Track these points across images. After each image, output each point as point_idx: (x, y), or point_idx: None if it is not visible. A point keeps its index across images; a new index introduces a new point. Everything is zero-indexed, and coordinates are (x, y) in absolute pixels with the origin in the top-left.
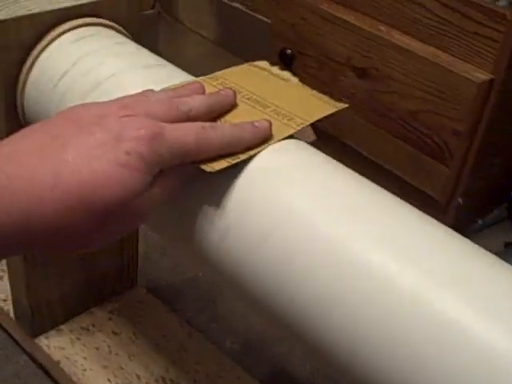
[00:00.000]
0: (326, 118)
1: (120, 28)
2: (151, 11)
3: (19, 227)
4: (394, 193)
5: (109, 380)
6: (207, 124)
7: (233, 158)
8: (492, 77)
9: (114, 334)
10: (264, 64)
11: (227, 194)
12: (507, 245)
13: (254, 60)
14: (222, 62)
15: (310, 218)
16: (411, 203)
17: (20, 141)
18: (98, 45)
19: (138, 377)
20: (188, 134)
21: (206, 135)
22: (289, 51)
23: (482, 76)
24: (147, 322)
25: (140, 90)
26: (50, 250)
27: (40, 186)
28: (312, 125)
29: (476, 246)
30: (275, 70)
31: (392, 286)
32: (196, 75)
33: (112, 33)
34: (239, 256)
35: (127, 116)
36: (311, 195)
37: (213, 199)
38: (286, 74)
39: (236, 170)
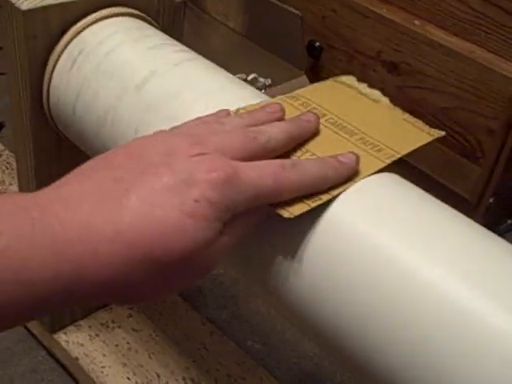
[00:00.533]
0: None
1: (149, 19)
2: (178, 1)
3: (71, 278)
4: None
5: (128, 378)
6: (288, 162)
7: (313, 199)
8: None
9: (134, 331)
10: (351, 80)
11: (307, 241)
12: None
13: (282, 52)
14: (250, 54)
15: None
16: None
17: (79, 181)
18: (127, 36)
19: (158, 375)
20: (266, 175)
21: (286, 176)
22: (317, 44)
23: None
24: (167, 320)
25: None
26: (102, 302)
27: (97, 237)
28: None
29: None
30: (363, 88)
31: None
32: (222, 67)
33: (141, 24)
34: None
35: (198, 155)
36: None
37: (290, 246)
38: (376, 94)
39: (316, 213)
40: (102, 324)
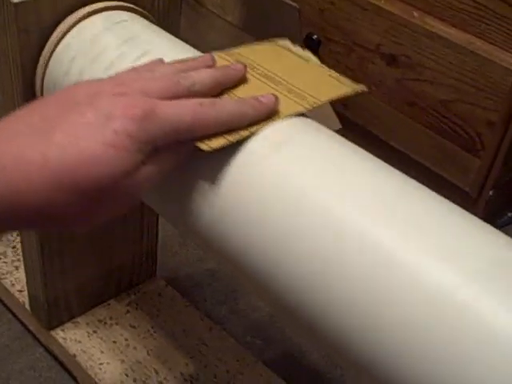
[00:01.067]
0: (342, 100)
1: (144, 12)
2: None
3: (9, 202)
4: (424, 184)
5: (126, 375)
6: (206, 100)
7: (233, 135)
8: None
9: (132, 327)
10: (286, 43)
11: (224, 174)
12: None
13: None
14: None
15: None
16: (440, 195)
17: (13, 121)
18: (121, 30)
19: (157, 372)
20: (183, 111)
21: (204, 112)
22: (315, 36)
23: None
24: (166, 316)
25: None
26: (40, 227)
27: (29, 165)
28: (337, 113)
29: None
30: (297, 49)
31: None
32: None
33: (135, 16)
34: (236, 238)
35: (121, 94)
36: (318, 174)
37: (209, 178)
38: (307, 55)
39: (236, 147)
40: (99, 320)
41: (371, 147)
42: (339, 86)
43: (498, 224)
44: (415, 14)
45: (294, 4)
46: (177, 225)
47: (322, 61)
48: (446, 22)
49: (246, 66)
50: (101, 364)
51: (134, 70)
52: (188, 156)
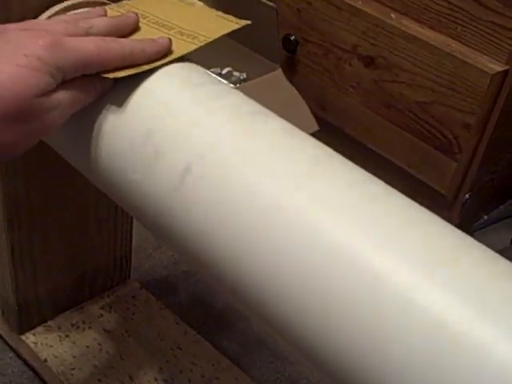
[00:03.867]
0: (229, 34)
1: None
2: None
3: None
4: (398, 187)
5: (99, 380)
6: (108, 37)
7: (136, 68)
8: (506, 68)
9: (106, 331)
10: None
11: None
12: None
13: (257, 46)
14: (224, 48)
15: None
16: (416, 198)
17: None
18: None
19: (131, 377)
20: (88, 44)
21: (108, 46)
22: (292, 37)
23: (496, 67)
24: (140, 319)
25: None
26: None
27: None
28: (315, 114)
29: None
30: None
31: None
32: (200, 64)
33: None
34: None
35: (26, 30)
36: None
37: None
38: (192, 0)
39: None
40: (72, 324)
41: (348, 148)
42: (226, 24)
43: (474, 227)
44: (392, 15)
45: (271, 4)
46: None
47: (300, 62)
48: (422, 24)
49: (137, 15)
50: (73, 369)
51: (34, 20)
52: (98, 92)
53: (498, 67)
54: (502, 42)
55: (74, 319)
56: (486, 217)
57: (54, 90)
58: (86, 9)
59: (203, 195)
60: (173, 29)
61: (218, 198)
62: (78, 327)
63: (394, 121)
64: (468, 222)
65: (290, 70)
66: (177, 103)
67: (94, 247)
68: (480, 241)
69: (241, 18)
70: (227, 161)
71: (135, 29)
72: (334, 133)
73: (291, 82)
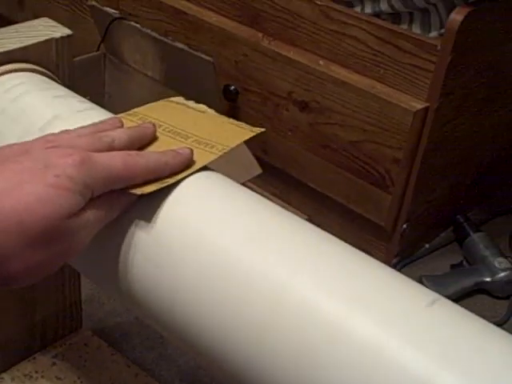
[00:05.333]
0: (247, 141)
1: (49, 73)
2: (97, 53)
3: None
4: (340, 221)
5: None
6: (133, 151)
7: (160, 182)
8: (427, 105)
9: (58, 379)
10: (180, 99)
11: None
12: (453, 266)
13: (199, 97)
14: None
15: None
16: (358, 231)
17: None
18: (33, 87)
19: None
20: (115, 159)
21: (134, 160)
22: (232, 87)
23: (417, 105)
24: (92, 365)
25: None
26: None
27: None
28: (257, 158)
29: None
30: (191, 103)
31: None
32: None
33: (44, 78)
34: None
35: (53, 147)
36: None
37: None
38: (203, 107)
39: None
40: (25, 375)
41: (291, 188)
42: (241, 132)
43: (416, 255)
44: (321, 62)
45: (208, 58)
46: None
47: (241, 110)
48: (349, 69)
49: (154, 125)
50: None
51: (51, 133)
52: (122, 207)
53: (419, 105)
54: (420, 82)
55: (27, 369)
56: (427, 245)
57: (82, 209)
58: (103, 116)
59: None
60: (189, 138)
61: None
62: (31, 377)
63: (331, 160)
64: (409, 251)
65: (232, 117)
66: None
67: (43, 299)
68: (422, 268)
69: (182, 71)
70: None
71: (153, 139)
72: (277, 175)
73: None
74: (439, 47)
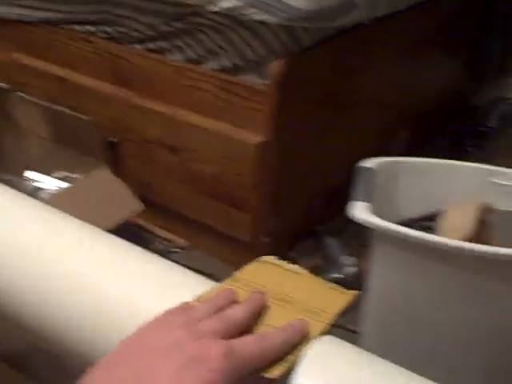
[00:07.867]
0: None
1: None
2: None
3: None
4: (215, 241)
5: None
6: (261, 334)
7: (285, 360)
8: (265, 139)
9: None
10: (272, 259)
11: None
12: (312, 269)
13: (84, 150)
14: (60, 156)
15: None
16: (229, 248)
17: (103, 376)
18: None
19: None
20: (253, 346)
21: (267, 344)
22: (112, 139)
23: (257, 138)
24: None
25: None
26: None
27: None
28: (143, 196)
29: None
30: (285, 264)
31: None
32: (41, 171)
33: None
34: None
35: (197, 338)
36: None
37: None
38: (296, 268)
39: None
40: None
41: (171, 219)
42: (341, 296)
43: None
44: (180, 111)
45: (86, 118)
46: None
47: (122, 157)
48: (201, 114)
49: (264, 294)
50: None
51: (184, 314)
52: None
53: (258, 138)
54: (257, 120)
55: None
56: (291, 254)
57: None
58: (214, 290)
59: None
60: (295, 304)
61: None
62: None
63: (200, 191)
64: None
65: (115, 164)
66: None
67: None
68: None
69: (68, 130)
70: None
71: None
72: (158, 209)
73: (116, 173)
74: (267, 92)
